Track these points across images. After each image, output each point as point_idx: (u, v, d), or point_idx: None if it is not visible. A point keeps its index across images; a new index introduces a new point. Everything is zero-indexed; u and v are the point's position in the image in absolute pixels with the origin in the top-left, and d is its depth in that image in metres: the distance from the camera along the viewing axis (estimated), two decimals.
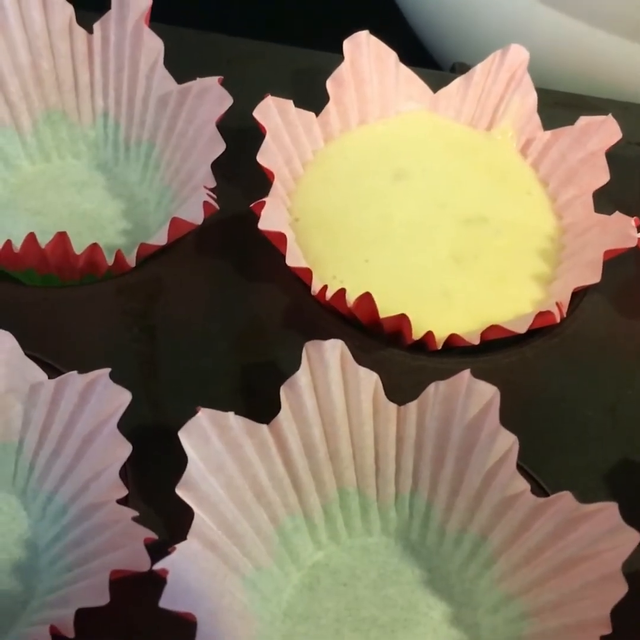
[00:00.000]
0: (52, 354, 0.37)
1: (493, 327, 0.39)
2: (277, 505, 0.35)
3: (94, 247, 0.39)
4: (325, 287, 0.39)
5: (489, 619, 0.34)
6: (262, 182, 0.41)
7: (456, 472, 0.35)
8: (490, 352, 0.40)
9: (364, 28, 0.45)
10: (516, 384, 0.39)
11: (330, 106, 0.44)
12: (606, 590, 0.31)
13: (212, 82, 0.42)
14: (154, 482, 0.35)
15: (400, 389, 0.36)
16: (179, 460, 0.32)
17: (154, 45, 0.44)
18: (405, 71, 0.46)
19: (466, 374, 0.34)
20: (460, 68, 0.49)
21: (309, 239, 0.42)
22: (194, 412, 0.33)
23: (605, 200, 0.43)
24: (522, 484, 0.34)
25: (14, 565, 0.34)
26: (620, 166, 0.44)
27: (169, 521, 0.34)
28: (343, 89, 0.45)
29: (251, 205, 0.39)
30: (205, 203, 0.39)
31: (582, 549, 0.32)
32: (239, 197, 0.42)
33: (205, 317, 0.40)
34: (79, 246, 0.40)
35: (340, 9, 0.62)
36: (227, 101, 0.41)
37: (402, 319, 0.38)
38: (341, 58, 0.44)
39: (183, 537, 0.31)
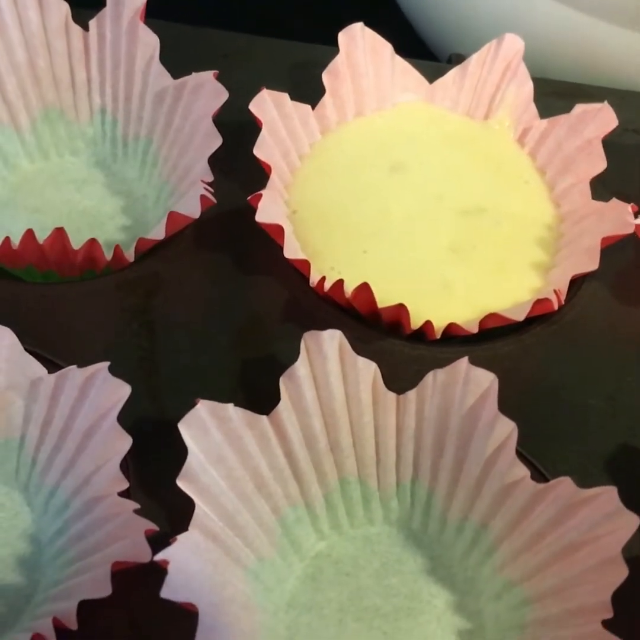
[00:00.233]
0: (52, 350, 0.38)
1: (491, 315, 0.39)
2: (279, 496, 0.35)
3: (92, 242, 0.39)
4: (323, 279, 0.39)
5: (491, 606, 0.34)
6: (259, 175, 0.41)
7: (456, 460, 0.35)
8: (490, 340, 0.40)
9: (359, 20, 0.45)
10: (516, 372, 0.39)
11: (326, 99, 0.45)
12: (607, 574, 0.31)
13: (207, 77, 0.42)
14: (154, 474, 0.35)
15: (400, 379, 0.36)
16: (180, 453, 0.32)
17: (149, 41, 0.44)
18: (401, 63, 0.46)
19: (464, 361, 0.34)
20: (456, 59, 0.49)
21: (307, 231, 0.42)
22: (193, 405, 0.33)
23: (603, 187, 0.43)
24: (521, 471, 0.34)
25: (17, 560, 0.34)
26: (618, 154, 0.44)
27: (171, 513, 0.34)
28: (339, 82, 0.45)
29: (248, 197, 0.39)
30: (202, 197, 0.39)
31: (582, 534, 0.32)
32: (236, 191, 0.42)
33: (204, 311, 0.40)
34: (78, 243, 0.40)
35: (334, 1, 0.62)
36: (223, 95, 0.41)
37: (401, 308, 0.38)
38: (336, 51, 0.45)
39: (184, 529, 0.32)
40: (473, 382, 0.34)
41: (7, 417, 0.36)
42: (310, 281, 0.40)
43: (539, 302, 0.38)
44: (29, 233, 0.38)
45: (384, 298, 0.39)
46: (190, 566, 0.31)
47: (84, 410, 0.34)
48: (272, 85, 0.43)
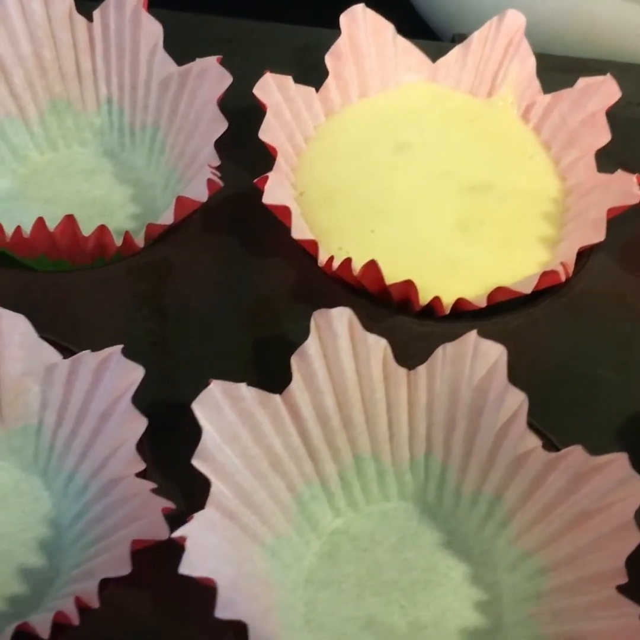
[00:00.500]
0: (65, 336, 0.38)
1: (499, 289, 0.39)
2: (294, 474, 0.35)
3: (102, 228, 0.39)
4: (331, 258, 0.39)
5: (508, 577, 0.34)
6: (265, 159, 0.42)
7: (468, 433, 0.35)
8: (498, 315, 0.40)
9: (360, 2, 0.45)
10: (526, 345, 0.39)
11: (329, 81, 0.45)
12: (620, 540, 0.32)
13: (211, 62, 0.43)
14: (170, 455, 0.35)
15: (411, 355, 0.36)
16: (194, 433, 0.33)
17: (153, 30, 0.44)
18: (403, 43, 0.46)
19: (473, 334, 0.34)
20: (459, 39, 0.49)
21: (314, 213, 0.42)
22: (206, 385, 0.33)
23: (608, 160, 0.43)
24: (533, 441, 0.34)
25: (39, 544, 0.35)
26: (622, 127, 0.44)
27: (187, 493, 0.34)
28: (342, 63, 0.45)
29: (255, 180, 0.40)
30: (209, 180, 0.39)
31: (595, 501, 0.32)
32: (243, 175, 0.42)
33: (214, 294, 0.41)
34: (89, 232, 0.40)
35: None
36: (227, 80, 0.42)
37: (409, 285, 0.38)
38: (338, 33, 0.45)
39: (201, 508, 0.32)
40: (482, 355, 0.34)
41: (24, 403, 0.36)
42: (319, 261, 0.40)
43: (546, 275, 0.39)
44: (40, 221, 0.39)
45: (393, 276, 0.39)
46: (208, 543, 0.31)
47: (99, 393, 0.35)
48: (276, 69, 0.43)
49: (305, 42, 0.49)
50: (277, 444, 0.35)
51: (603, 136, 0.43)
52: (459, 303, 0.39)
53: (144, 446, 0.35)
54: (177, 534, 0.30)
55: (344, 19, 0.45)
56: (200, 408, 0.33)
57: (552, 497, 0.33)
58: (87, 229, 0.40)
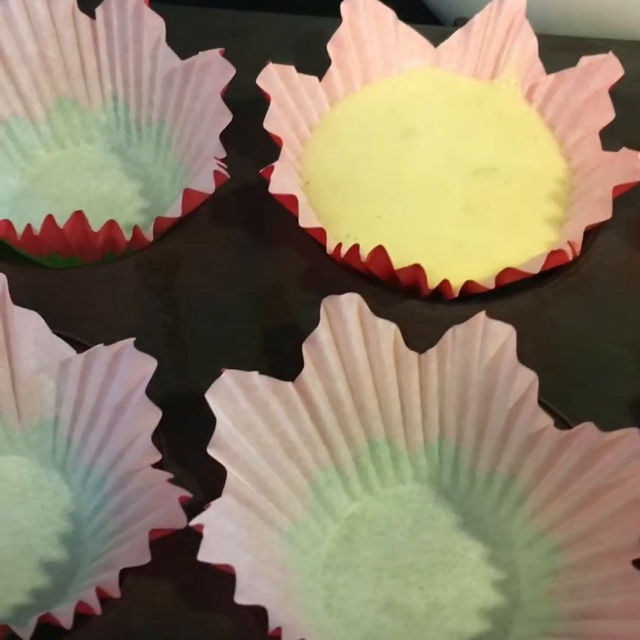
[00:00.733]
0: (79, 332, 0.38)
1: (507, 270, 0.39)
2: (309, 460, 0.35)
3: (111, 223, 0.40)
4: (339, 245, 0.40)
5: (524, 556, 0.35)
6: (271, 149, 0.42)
7: (480, 414, 0.35)
8: (507, 296, 0.40)
9: None
10: (535, 325, 0.39)
11: (332, 69, 0.45)
12: (634, 515, 0.32)
13: (214, 55, 0.43)
14: (186, 445, 0.36)
15: (422, 339, 0.36)
16: (209, 423, 0.33)
17: (155, 24, 0.45)
18: (405, 28, 0.46)
19: (482, 315, 0.35)
20: (461, 23, 0.49)
21: (321, 201, 0.42)
22: (219, 375, 0.34)
23: (613, 138, 0.43)
24: (545, 420, 0.34)
25: (59, 537, 0.35)
26: (626, 104, 0.44)
27: (204, 482, 0.35)
28: (344, 51, 0.45)
29: (261, 170, 0.40)
30: (216, 172, 0.39)
31: (608, 477, 0.33)
32: (250, 166, 0.42)
33: (224, 285, 0.41)
34: (98, 228, 0.40)
35: None
36: (230, 72, 0.42)
37: (417, 269, 0.38)
38: (339, 21, 0.45)
39: (218, 496, 0.32)
40: (491, 335, 0.34)
41: (40, 399, 0.37)
42: (327, 248, 0.40)
43: (553, 254, 0.39)
44: (49, 218, 0.39)
45: (401, 261, 0.39)
46: (225, 530, 0.32)
47: (114, 386, 0.35)
48: (279, 60, 0.44)
49: (306, 31, 0.49)
50: (291, 431, 0.35)
51: (607, 114, 0.43)
52: (468, 286, 0.39)
53: (160, 437, 0.35)
54: (194, 522, 0.31)
55: (344, 6, 0.45)
56: (213, 397, 0.33)
57: (565, 475, 0.34)
58: (96, 225, 0.40)
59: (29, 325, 0.36)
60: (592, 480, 0.33)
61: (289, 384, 0.35)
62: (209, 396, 0.33)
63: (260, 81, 0.42)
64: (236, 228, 0.43)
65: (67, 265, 0.42)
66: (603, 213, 0.40)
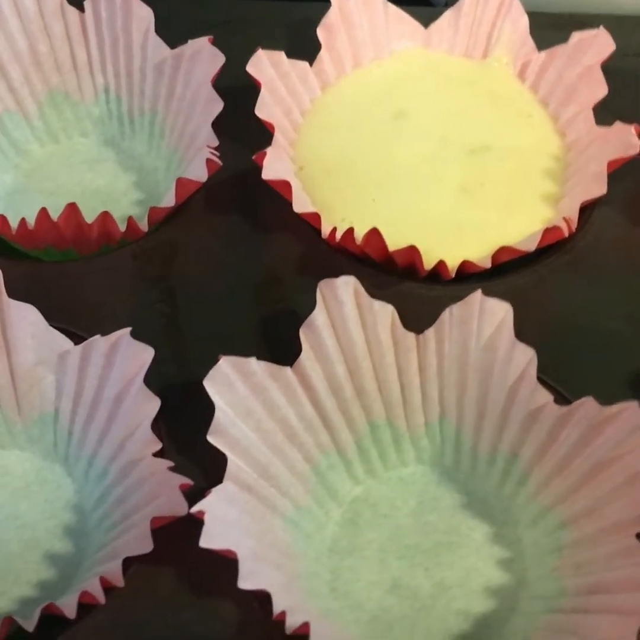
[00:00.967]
0: (76, 324, 0.38)
1: (503, 249, 0.39)
2: (310, 445, 0.35)
3: (105, 214, 0.40)
4: (334, 230, 0.40)
5: (529, 533, 0.35)
6: (265, 136, 0.42)
7: (480, 393, 0.35)
8: (505, 275, 0.40)
9: None
10: (533, 302, 0.39)
11: (323, 54, 0.45)
12: (636, 489, 0.32)
13: (203, 43, 0.43)
14: (186, 433, 0.36)
15: (420, 321, 0.36)
16: (209, 410, 0.33)
17: (144, 15, 0.45)
18: (394, 10, 0.46)
19: (478, 294, 0.35)
20: (452, 3, 0.49)
21: (316, 186, 0.42)
22: (216, 362, 0.33)
23: (607, 113, 0.43)
24: (545, 396, 0.34)
25: (64, 529, 0.36)
26: (619, 79, 0.44)
27: (205, 469, 0.35)
28: (334, 35, 0.45)
29: (253, 157, 0.40)
30: (208, 160, 0.39)
31: (609, 451, 0.33)
32: (243, 154, 0.42)
33: (221, 272, 0.41)
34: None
35: None
36: (220, 59, 0.42)
37: (412, 250, 0.38)
38: (328, 6, 0.45)
39: (219, 483, 0.32)
40: (488, 313, 0.34)
41: (40, 392, 0.37)
42: (322, 233, 0.40)
43: (548, 231, 0.39)
44: (43, 212, 0.39)
45: (397, 243, 0.39)
46: (227, 516, 0.32)
47: (112, 377, 0.35)
48: (269, 46, 0.44)
49: (295, 17, 0.49)
50: (291, 416, 0.35)
51: (600, 89, 0.43)
52: (464, 265, 0.39)
53: (160, 426, 0.35)
54: (195, 508, 0.31)
55: None
56: (211, 384, 0.33)
57: (567, 451, 0.34)
58: (93, 218, 0.40)
59: (26, 318, 0.36)
60: (594, 455, 0.33)
61: (288, 369, 0.35)
62: (207, 383, 0.33)
63: (251, 68, 0.42)
64: (231, 215, 0.43)
65: (63, 258, 0.42)
66: (598, 188, 0.40)
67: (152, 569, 0.33)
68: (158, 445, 0.34)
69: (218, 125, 0.41)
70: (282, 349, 0.36)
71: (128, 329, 0.35)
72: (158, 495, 0.32)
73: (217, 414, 0.33)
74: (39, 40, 0.46)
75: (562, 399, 0.36)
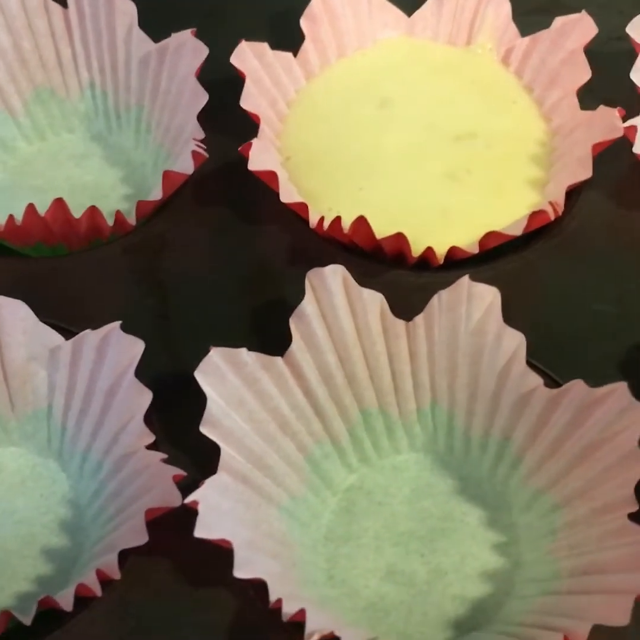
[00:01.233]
0: (67, 319, 0.38)
1: (490, 234, 0.39)
2: (303, 434, 0.35)
3: (93, 209, 0.40)
4: (322, 219, 0.40)
5: (523, 517, 0.35)
6: (250, 128, 0.42)
7: (470, 378, 0.36)
8: (494, 260, 0.40)
9: None
10: (522, 287, 0.39)
11: (307, 44, 0.45)
12: (627, 469, 0.32)
13: (186, 36, 0.43)
14: (179, 425, 0.36)
15: (409, 308, 0.36)
16: (201, 402, 0.33)
17: (127, 10, 0.45)
18: None
19: (465, 279, 0.35)
20: None
21: (302, 176, 0.42)
22: (207, 353, 0.34)
23: (592, 97, 0.43)
24: (535, 380, 0.34)
25: (60, 525, 0.36)
26: (603, 63, 0.44)
27: (199, 461, 0.35)
28: (317, 25, 0.45)
29: (239, 148, 0.40)
30: (194, 152, 0.40)
31: (600, 432, 0.33)
32: (229, 145, 0.42)
33: (210, 264, 0.41)
34: None
35: None
36: (203, 52, 0.42)
37: (400, 237, 0.38)
38: None
39: (213, 474, 0.32)
40: (477, 298, 0.35)
41: (32, 388, 0.37)
42: (310, 223, 0.40)
43: (535, 215, 0.39)
44: (31, 208, 0.39)
45: (385, 231, 0.39)
46: (221, 506, 0.32)
47: (104, 371, 0.35)
48: (253, 38, 0.44)
49: (278, 8, 0.49)
50: (284, 405, 0.35)
51: (584, 74, 0.43)
52: (452, 252, 0.39)
53: (152, 419, 0.35)
54: (189, 499, 0.31)
55: None
56: (202, 376, 0.33)
57: (558, 433, 0.34)
58: (81, 214, 0.40)
59: (16, 314, 0.36)
60: (585, 437, 0.33)
61: (279, 359, 0.35)
62: (198, 375, 0.33)
63: (234, 59, 0.42)
64: (219, 207, 0.43)
65: (52, 254, 0.42)
66: (584, 172, 0.40)
67: (148, 560, 0.33)
68: (151, 438, 0.34)
69: (204, 117, 0.41)
70: (273, 339, 0.36)
71: (118, 323, 0.35)
72: (152, 487, 0.32)
73: (210, 405, 0.33)
74: (23, 37, 0.46)
75: (552, 382, 0.36)
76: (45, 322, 0.37)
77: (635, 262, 0.41)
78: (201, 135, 0.41)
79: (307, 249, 0.41)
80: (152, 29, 0.45)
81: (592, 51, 0.44)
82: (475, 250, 0.39)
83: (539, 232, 0.41)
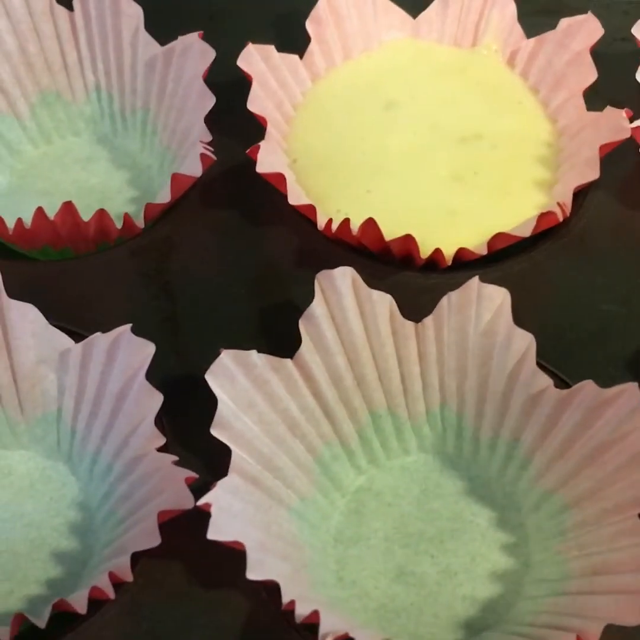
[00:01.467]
0: (77, 322, 0.39)
1: (498, 235, 0.39)
2: (312, 436, 0.35)
3: (101, 212, 0.40)
4: (330, 221, 0.40)
5: (532, 518, 0.35)
6: (258, 130, 0.42)
7: (480, 379, 0.36)
8: (502, 261, 0.40)
9: None
10: (530, 288, 0.39)
11: (312, 46, 0.45)
12: (637, 469, 0.32)
13: (193, 38, 0.43)
14: (189, 427, 0.36)
15: (418, 309, 0.36)
16: (211, 404, 0.33)
17: (133, 12, 0.45)
18: (383, 1, 0.47)
19: (475, 280, 0.35)
20: None
21: (310, 178, 0.42)
22: (218, 355, 0.34)
23: (597, 98, 0.43)
24: (544, 380, 0.34)
25: (70, 527, 0.36)
26: (608, 64, 0.44)
27: (209, 463, 0.35)
28: (323, 28, 0.45)
29: (247, 151, 0.40)
30: (202, 155, 0.40)
31: (610, 433, 0.33)
32: (237, 148, 0.42)
33: (218, 266, 0.41)
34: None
35: None
36: (210, 54, 0.42)
37: (408, 239, 0.38)
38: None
39: (224, 476, 0.32)
40: (486, 299, 0.35)
41: (42, 391, 0.37)
42: (318, 225, 0.40)
43: (543, 216, 0.39)
44: (40, 211, 0.39)
45: (393, 233, 0.39)
46: (233, 508, 0.32)
47: (114, 374, 0.35)
48: (259, 40, 0.44)
49: (284, 10, 0.49)
50: (293, 407, 0.35)
51: (589, 75, 0.43)
52: (461, 253, 0.39)
53: (163, 421, 0.36)
54: (201, 501, 0.31)
55: None
56: (213, 378, 0.33)
57: (568, 434, 0.34)
58: (88, 216, 0.40)
59: (26, 317, 0.36)
60: (595, 438, 0.33)
61: (288, 361, 0.35)
62: (209, 377, 0.33)
63: (241, 62, 0.42)
64: (227, 210, 0.43)
65: (60, 258, 0.42)
66: (591, 173, 0.40)
67: (160, 562, 0.33)
68: (162, 440, 0.34)
69: (210, 120, 0.41)
70: (282, 341, 0.36)
71: (128, 326, 0.35)
72: (164, 490, 0.32)
73: (220, 407, 0.33)
74: (29, 40, 0.46)
75: (561, 382, 0.36)
76: (54, 325, 0.37)
77: None
78: (208, 137, 0.41)
79: (315, 251, 0.41)
80: (158, 31, 0.45)
81: (597, 52, 0.44)
82: (484, 251, 0.39)
83: (546, 232, 0.41)
